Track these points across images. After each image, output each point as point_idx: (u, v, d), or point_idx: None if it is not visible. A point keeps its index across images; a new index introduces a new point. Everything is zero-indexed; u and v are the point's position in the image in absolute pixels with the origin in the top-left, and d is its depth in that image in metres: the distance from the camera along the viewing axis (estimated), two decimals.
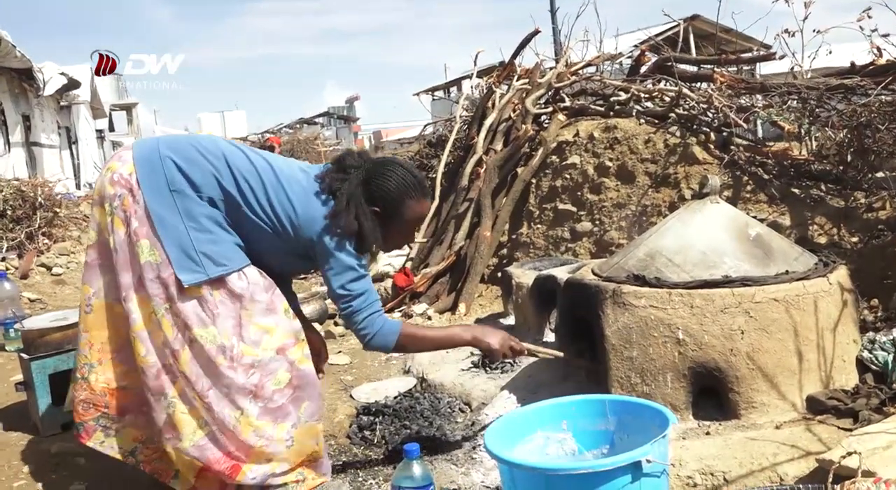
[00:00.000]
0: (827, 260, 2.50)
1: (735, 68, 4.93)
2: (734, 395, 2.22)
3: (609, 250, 4.07)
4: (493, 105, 5.37)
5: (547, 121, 5.18)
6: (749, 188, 3.78)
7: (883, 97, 3.41)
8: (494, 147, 5.05)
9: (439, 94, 18.29)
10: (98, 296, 1.99)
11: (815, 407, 2.21)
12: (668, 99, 4.57)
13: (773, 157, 3.81)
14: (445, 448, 2.48)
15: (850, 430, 2.03)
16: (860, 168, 3.49)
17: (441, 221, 5.04)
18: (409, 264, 4.85)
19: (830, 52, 4.07)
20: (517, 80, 5.58)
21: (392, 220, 2.08)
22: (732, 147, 3.95)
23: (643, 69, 5.23)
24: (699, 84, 4.70)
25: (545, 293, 3.26)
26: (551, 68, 5.67)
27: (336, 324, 4.28)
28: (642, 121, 4.50)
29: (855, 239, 3.31)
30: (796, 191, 3.64)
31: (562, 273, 3.13)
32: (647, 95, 4.84)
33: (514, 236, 4.85)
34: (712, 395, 2.28)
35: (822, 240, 3.38)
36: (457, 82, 18.51)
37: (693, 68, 4.90)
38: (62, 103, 14.49)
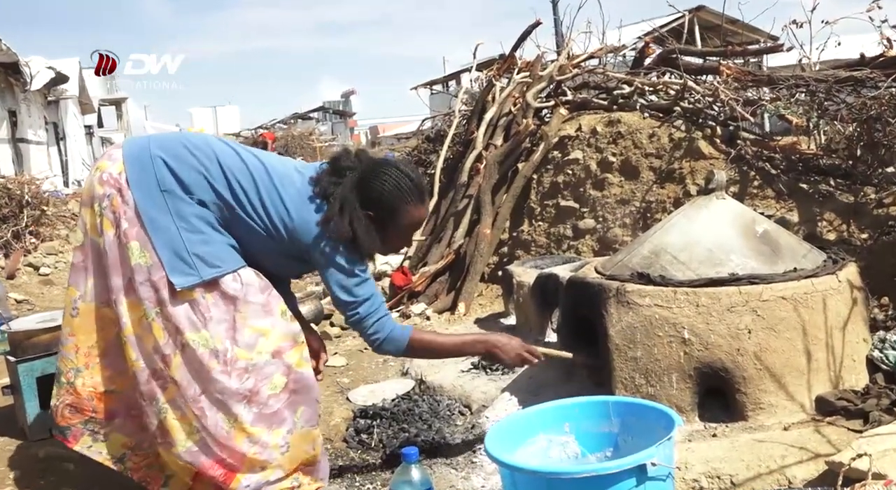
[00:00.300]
0: (836, 257, 2.49)
1: (741, 60, 4.87)
2: (741, 396, 2.20)
3: (612, 248, 4.04)
4: (493, 99, 5.31)
5: (548, 115, 5.12)
6: (756, 183, 3.74)
7: (893, 90, 3.37)
8: (494, 142, 4.98)
9: (438, 87, 18.21)
10: (85, 299, 1.96)
11: (825, 408, 2.20)
12: (672, 92, 4.50)
13: (781, 152, 3.77)
14: (445, 452, 2.45)
15: (861, 431, 2.03)
16: (870, 163, 3.45)
17: (440, 219, 4.97)
18: (406, 263, 4.80)
19: (839, 44, 4.02)
20: (518, 73, 5.49)
21: (388, 224, 2.02)
22: (739, 141, 3.90)
23: (647, 62, 5.16)
24: (705, 77, 4.64)
25: (547, 292, 3.23)
26: (553, 61, 5.59)
27: (332, 325, 4.23)
28: (646, 115, 4.45)
29: (865, 235, 3.28)
30: (804, 186, 3.60)
31: (564, 271, 3.10)
32: (651, 89, 4.77)
33: (514, 234, 4.80)
34: (719, 396, 2.27)
35: (831, 236, 3.35)
36: (456, 76, 18.47)
37: (698, 60, 4.87)
38: (49, 98, 14.48)
